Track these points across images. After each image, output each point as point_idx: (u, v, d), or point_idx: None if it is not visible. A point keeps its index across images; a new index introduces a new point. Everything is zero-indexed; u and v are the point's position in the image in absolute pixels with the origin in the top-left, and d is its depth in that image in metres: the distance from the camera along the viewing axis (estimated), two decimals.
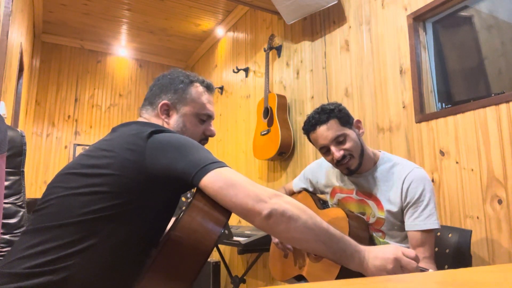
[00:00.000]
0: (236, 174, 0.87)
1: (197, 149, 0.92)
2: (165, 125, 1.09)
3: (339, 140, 1.40)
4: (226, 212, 0.85)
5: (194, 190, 0.98)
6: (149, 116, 1.12)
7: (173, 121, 1.10)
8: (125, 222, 0.87)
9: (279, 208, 0.83)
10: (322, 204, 1.64)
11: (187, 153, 0.89)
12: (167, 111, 1.11)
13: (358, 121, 1.48)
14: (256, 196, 0.83)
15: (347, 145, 1.39)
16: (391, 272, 0.89)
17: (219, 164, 0.88)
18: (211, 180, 0.84)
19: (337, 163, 1.43)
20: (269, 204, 0.83)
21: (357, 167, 1.42)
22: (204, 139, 1.17)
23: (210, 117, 1.17)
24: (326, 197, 1.64)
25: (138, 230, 0.89)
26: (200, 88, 1.15)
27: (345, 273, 1.32)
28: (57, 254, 0.81)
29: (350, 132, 1.42)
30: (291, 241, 0.88)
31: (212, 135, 1.18)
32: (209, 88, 1.18)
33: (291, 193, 1.77)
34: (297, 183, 1.75)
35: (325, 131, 1.40)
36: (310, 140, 1.49)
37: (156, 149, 0.89)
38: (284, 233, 0.85)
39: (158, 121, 1.10)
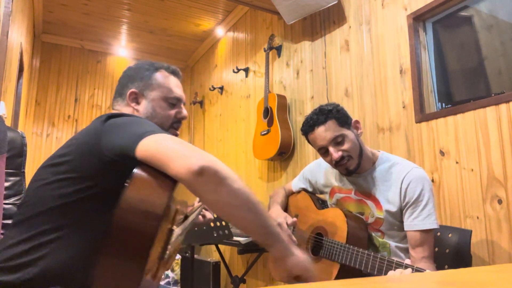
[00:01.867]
0: (169, 137, 0.85)
1: (142, 124, 0.90)
2: (135, 113, 1.12)
3: (337, 141, 1.40)
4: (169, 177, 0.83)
5: None
6: (120, 107, 1.14)
7: (143, 107, 1.13)
8: (91, 207, 0.88)
9: (213, 166, 0.79)
10: (321, 204, 1.64)
11: (130, 128, 0.89)
12: (135, 99, 1.13)
13: (357, 122, 1.48)
14: (189, 152, 0.80)
15: (346, 146, 1.40)
16: (300, 268, 0.91)
17: (154, 132, 0.86)
18: (144, 148, 0.82)
19: (335, 164, 1.43)
20: (202, 161, 0.78)
21: (355, 167, 1.42)
22: (176, 122, 1.18)
23: (179, 100, 1.18)
24: (326, 197, 1.64)
25: (104, 215, 0.86)
26: (166, 73, 1.17)
27: (343, 273, 1.33)
28: (32, 243, 0.84)
29: (349, 133, 1.42)
30: (217, 205, 0.82)
31: (184, 117, 1.19)
32: (174, 73, 1.20)
33: (291, 194, 1.77)
34: (296, 183, 1.75)
35: (323, 132, 1.41)
36: (308, 141, 1.49)
37: (109, 131, 0.90)
38: (212, 194, 0.79)
39: (128, 110, 1.13)
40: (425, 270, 1.08)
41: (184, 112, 1.19)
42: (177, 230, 0.91)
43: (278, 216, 1.56)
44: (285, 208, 1.75)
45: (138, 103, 1.13)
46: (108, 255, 0.73)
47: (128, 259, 0.73)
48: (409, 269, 1.11)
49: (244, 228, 0.87)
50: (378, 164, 1.46)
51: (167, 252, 0.86)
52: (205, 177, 0.78)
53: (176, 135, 1.18)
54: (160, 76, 1.16)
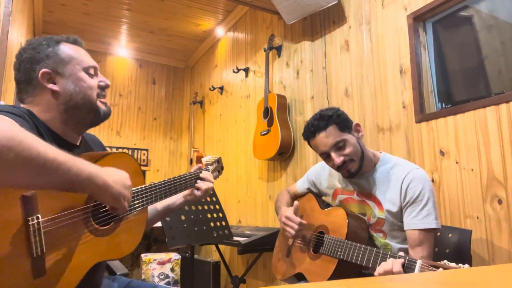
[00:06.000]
0: None
1: None
2: (55, 95, 1.02)
3: (338, 146, 1.41)
4: None
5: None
6: (33, 98, 1.03)
7: (63, 86, 1.03)
8: None
9: None
10: (326, 205, 1.65)
11: None
12: (50, 78, 1.03)
13: (357, 125, 1.49)
14: None
15: (347, 150, 1.41)
16: (126, 187, 0.94)
17: None
18: None
19: (338, 168, 1.44)
20: None
21: (357, 169, 1.43)
22: (100, 92, 1.10)
23: (96, 68, 1.11)
24: (329, 199, 1.65)
25: None
26: (71, 45, 1.08)
27: (341, 268, 1.35)
28: None
29: (350, 137, 1.42)
30: None
31: (107, 85, 1.12)
32: (77, 42, 1.11)
33: (296, 195, 1.78)
34: (301, 185, 1.77)
35: (325, 138, 1.41)
36: (311, 146, 1.50)
37: None
38: None
39: (45, 94, 1.02)
40: (416, 260, 1.09)
41: (106, 79, 1.12)
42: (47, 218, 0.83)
43: (285, 212, 1.58)
44: None
45: (54, 82, 1.03)
46: None
47: None
48: (401, 260, 1.11)
49: (41, 189, 0.80)
50: (379, 165, 1.47)
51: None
52: None
53: (105, 103, 1.11)
54: (67, 49, 1.06)
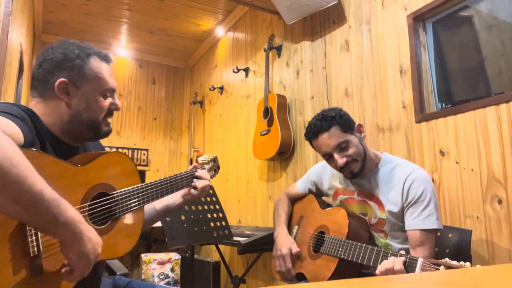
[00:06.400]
0: None
1: None
2: (64, 106, 1.01)
3: (341, 147, 1.41)
4: None
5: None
6: (42, 99, 1.01)
7: (75, 100, 1.02)
8: None
9: None
10: (327, 206, 1.64)
11: None
12: (65, 89, 1.01)
13: (360, 125, 1.49)
14: None
15: (350, 151, 1.40)
16: (95, 254, 0.84)
17: None
18: None
19: (340, 169, 1.44)
20: None
21: (360, 170, 1.43)
22: (109, 114, 1.10)
23: (114, 90, 1.10)
24: (329, 199, 1.64)
25: None
26: (99, 62, 1.08)
27: (342, 268, 1.35)
28: None
29: (352, 138, 1.42)
30: None
31: (118, 108, 1.11)
32: (107, 59, 1.11)
33: (296, 196, 1.77)
34: (301, 186, 1.76)
35: (327, 139, 1.41)
36: (313, 147, 1.50)
37: None
38: None
39: (54, 102, 1.01)
40: (418, 258, 1.09)
41: (119, 103, 1.11)
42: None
43: (283, 246, 1.56)
44: (290, 216, 1.75)
45: (69, 94, 1.01)
46: None
47: None
48: (403, 258, 1.11)
49: (17, 220, 0.75)
50: (381, 165, 1.47)
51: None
52: None
53: (108, 124, 1.11)
54: (93, 65, 1.05)
